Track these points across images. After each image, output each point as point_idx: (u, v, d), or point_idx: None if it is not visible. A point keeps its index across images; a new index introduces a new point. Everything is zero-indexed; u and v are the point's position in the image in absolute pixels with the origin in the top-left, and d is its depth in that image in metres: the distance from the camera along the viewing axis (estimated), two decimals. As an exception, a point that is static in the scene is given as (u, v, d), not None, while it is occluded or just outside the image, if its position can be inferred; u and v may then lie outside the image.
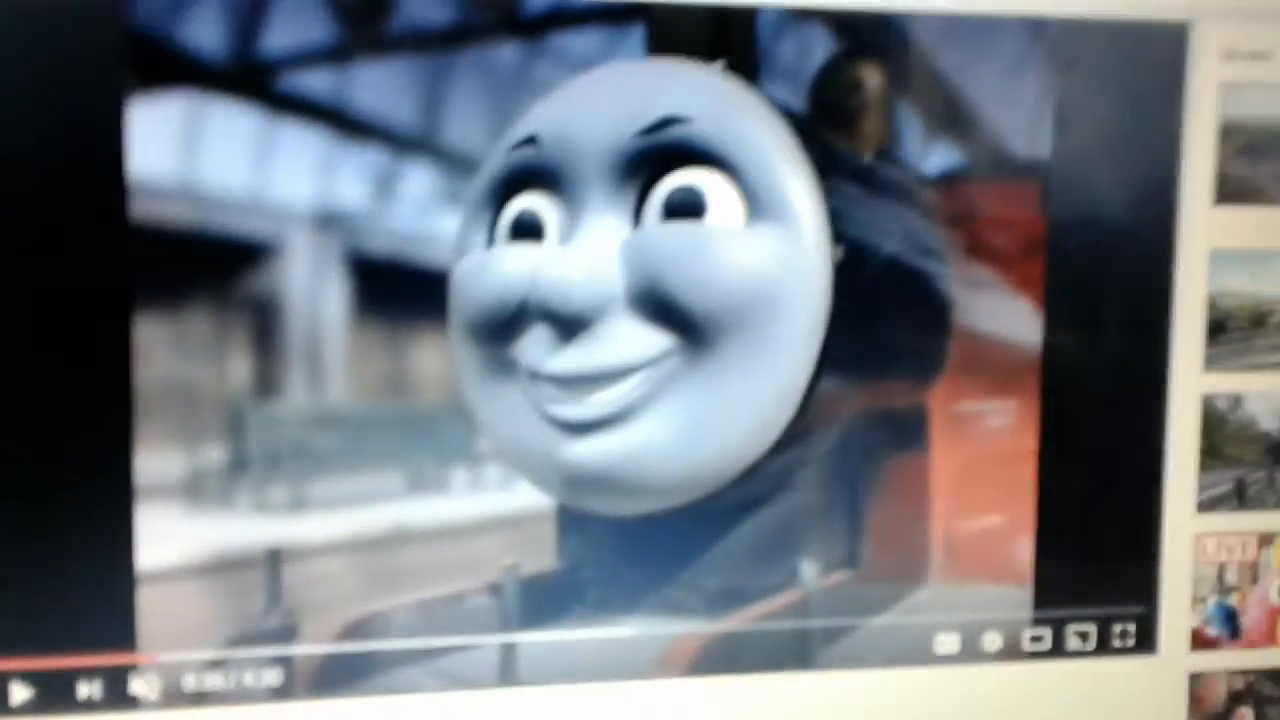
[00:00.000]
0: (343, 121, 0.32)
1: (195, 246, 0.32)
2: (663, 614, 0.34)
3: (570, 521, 0.34)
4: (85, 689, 0.32)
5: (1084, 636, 0.36)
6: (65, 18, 0.30)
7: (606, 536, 0.34)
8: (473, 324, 0.33)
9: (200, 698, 0.32)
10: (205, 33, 0.31)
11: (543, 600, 0.34)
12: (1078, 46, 0.34)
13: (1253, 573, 0.37)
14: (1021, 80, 0.34)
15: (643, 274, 0.32)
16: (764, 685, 0.35)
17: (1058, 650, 0.36)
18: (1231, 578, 0.36)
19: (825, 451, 0.35)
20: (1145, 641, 0.36)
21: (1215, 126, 0.35)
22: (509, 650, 0.34)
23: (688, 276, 0.32)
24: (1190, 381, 0.36)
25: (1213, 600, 0.37)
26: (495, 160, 0.33)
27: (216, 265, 0.32)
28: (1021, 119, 0.34)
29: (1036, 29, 0.34)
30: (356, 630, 0.33)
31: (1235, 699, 0.37)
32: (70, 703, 0.32)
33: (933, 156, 0.34)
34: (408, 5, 0.32)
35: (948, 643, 0.36)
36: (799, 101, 0.34)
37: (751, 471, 0.34)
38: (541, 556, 0.34)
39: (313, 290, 0.32)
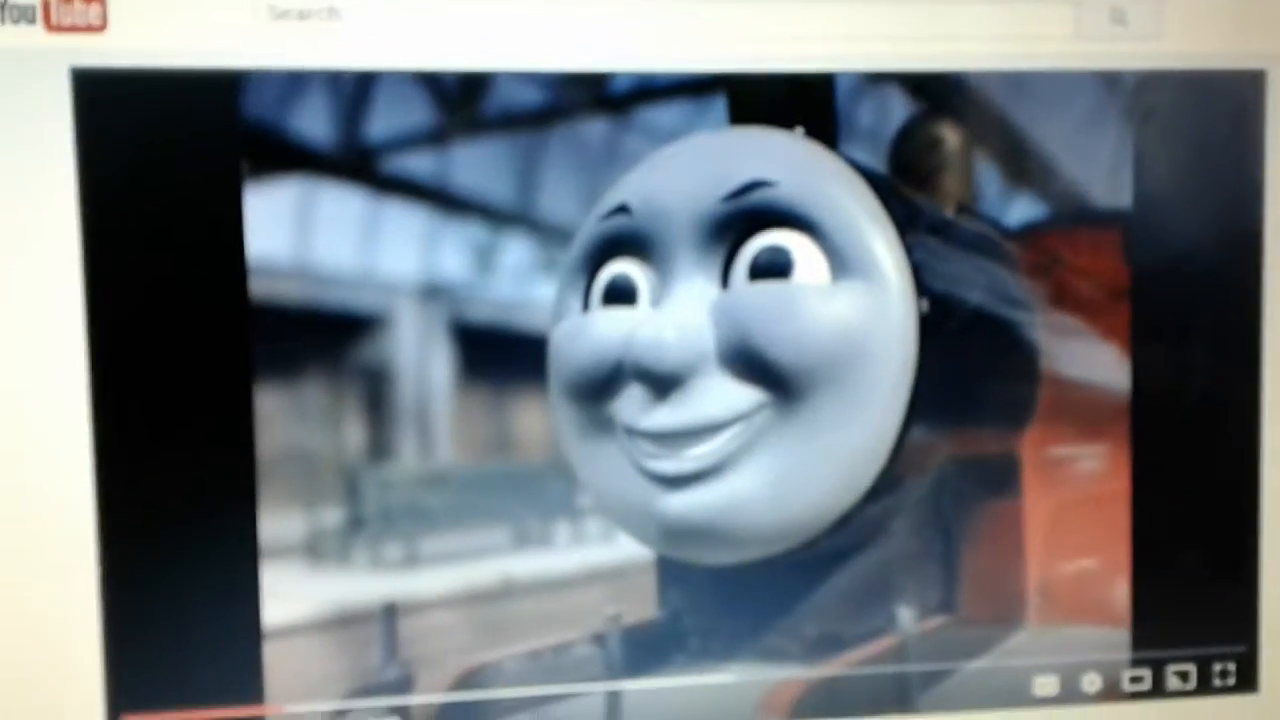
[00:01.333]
0: (444, 199, 0.34)
1: (310, 321, 0.34)
2: (762, 660, 0.35)
3: (670, 572, 0.35)
4: (218, 740, 0.33)
5: (1184, 676, 0.36)
6: (187, 111, 0.32)
7: (706, 586, 0.35)
8: (571, 385, 0.35)
9: (324, 747, 0.34)
10: (314, 122, 0.33)
11: (645, 649, 0.35)
12: (1154, 97, 0.35)
13: (1355, 609, 0.36)
14: (1099, 131, 0.35)
15: (733, 332, 0.33)
16: (864, 730, 0.35)
17: (1158, 690, 0.36)
18: (1334, 615, 0.36)
19: (918, 499, 0.35)
20: (1247, 680, 0.36)
21: (1295, 168, 0.35)
22: (614, 698, 0.35)
23: (777, 333, 0.33)
24: (1283, 418, 0.36)
25: (1315, 638, 0.36)
26: (588, 229, 0.35)
27: (330, 338, 0.34)
28: (1101, 169, 0.35)
29: (1111, 81, 0.35)
30: (469, 680, 0.34)
31: (1342, 739, 0.37)
32: (205, 754, 0.33)
33: (1013, 209, 0.35)
34: (501, 88, 0.33)
35: (1047, 685, 0.36)
36: (878, 161, 0.35)
37: (845, 520, 0.35)
38: (643, 606, 0.35)
39: (420, 358, 0.34)
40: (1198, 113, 0.35)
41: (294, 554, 0.34)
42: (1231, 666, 0.36)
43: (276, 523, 0.33)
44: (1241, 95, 0.35)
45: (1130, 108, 0.35)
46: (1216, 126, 0.35)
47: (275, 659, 0.33)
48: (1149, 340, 0.35)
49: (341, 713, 0.34)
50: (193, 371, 0.33)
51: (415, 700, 0.34)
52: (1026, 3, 0.34)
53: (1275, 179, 0.35)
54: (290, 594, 0.33)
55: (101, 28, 0.32)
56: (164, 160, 0.32)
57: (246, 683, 0.33)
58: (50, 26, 0.31)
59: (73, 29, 0.31)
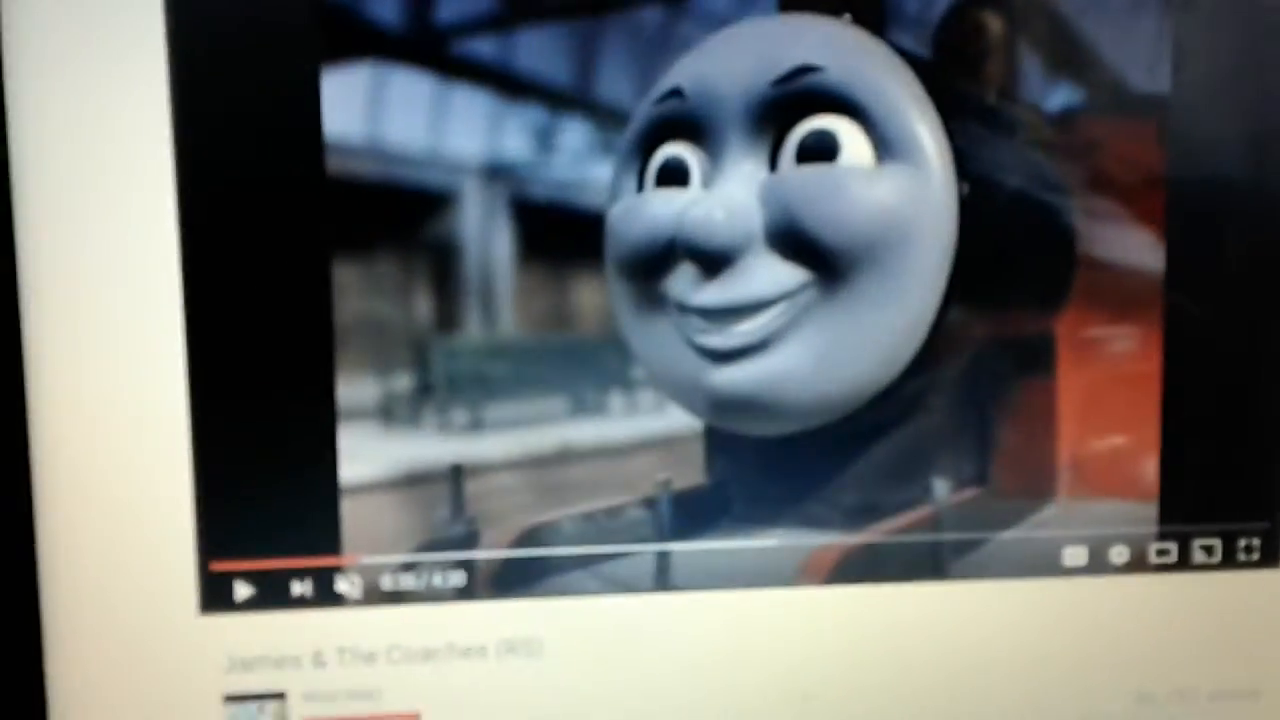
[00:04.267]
0: (506, 82, 0.36)
1: (382, 198, 0.35)
2: (803, 527, 0.37)
3: (717, 442, 0.37)
4: (298, 587, 0.36)
5: (1209, 550, 0.38)
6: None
7: (751, 455, 0.37)
8: (626, 262, 0.36)
9: (396, 596, 0.36)
10: (386, 7, 0.35)
11: (693, 513, 0.37)
12: (1194, -17, 0.36)
13: (1379, 489, 0.38)
14: (1138, 18, 0.36)
15: (780, 213, 0.35)
16: (899, 594, 0.37)
17: (1183, 563, 0.38)
18: (1358, 494, 0.38)
19: (955, 377, 0.37)
20: (1270, 555, 0.38)
21: (1334, 56, 0.36)
22: (663, 558, 0.37)
23: (822, 214, 0.35)
24: (1314, 304, 0.37)
25: (1338, 516, 0.38)
26: (643, 113, 0.36)
27: (401, 214, 0.36)
28: (1140, 56, 0.36)
29: (1152, -32, 0.35)
30: (529, 538, 0.37)
31: (1362, 611, 0.38)
32: (285, 599, 0.36)
33: (1053, 95, 0.36)
34: (563, -25, 0.35)
35: (1076, 555, 0.38)
36: (923, 48, 0.36)
37: (885, 395, 0.36)
38: (691, 473, 0.37)
39: (484, 235, 0.36)
40: (1235, 1, 0.36)
41: (368, 417, 0.36)
42: (1256, 542, 0.38)
43: (352, 388, 0.36)
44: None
45: (1170, -6, 0.36)
46: (1256, 16, 0.36)
47: (351, 513, 0.36)
48: (1183, 226, 0.36)
49: (412, 564, 0.36)
50: (274, 244, 0.35)
51: (479, 555, 0.36)
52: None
53: (1311, 65, 0.36)
54: (365, 454, 0.36)
55: (188, -84, 0.33)
56: (247, 43, 0.34)
57: (325, 535, 0.36)
58: (141, -85, 0.33)
59: (162, -83, 0.33)
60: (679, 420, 0.37)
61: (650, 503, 0.37)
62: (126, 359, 0.35)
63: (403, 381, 0.36)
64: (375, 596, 0.36)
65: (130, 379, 0.35)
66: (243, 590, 0.36)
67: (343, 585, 0.36)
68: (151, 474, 0.35)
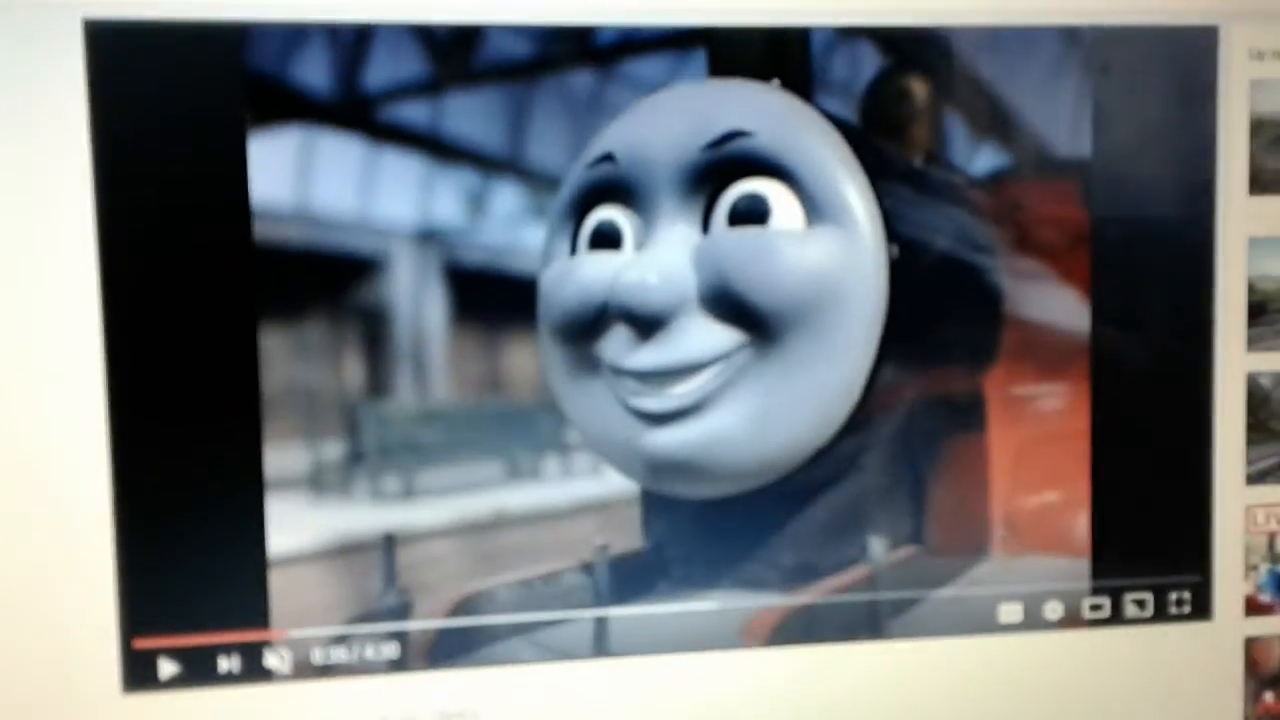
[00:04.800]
0: (437, 147, 0.35)
1: (311, 263, 0.35)
2: (742, 589, 0.37)
3: (654, 505, 0.37)
4: (225, 663, 0.35)
5: (1141, 604, 0.38)
6: (194, 62, 0.34)
7: (688, 518, 0.37)
8: (559, 326, 0.36)
9: (327, 670, 0.35)
10: (313, 73, 0.35)
11: (631, 577, 0.37)
12: (1112, 51, 0.37)
13: (1303, 540, 0.38)
14: (1059, 84, 0.37)
15: (713, 276, 0.35)
16: (839, 654, 0.37)
17: (1117, 618, 0.38)
18: (1282, 546, 0.38)
19: (889, 435, 0.37)
20: (1201, 608, 0.38)
21: (1247, 122, 0.37)
22: (602, 623, 0.37)
23: (755, 276, 0.35)
24: (1234, 361, 0.38)
25: (1265, 568, 0.38)
26: (575, 177, 0.36)
27: (330, 280, 0.35)
28: (1061, 120, 0.37)
29: (1071, 36, 0.36)
30: (464, 606, 0.36)
31: (1291, 662, 0.39)
32: (212, 676, 0.35)
33: (979, 158, 0.37)
34: (491, 40, 0.35)
35: (1011, 612, 0.38)
36: (851, 113, 0.36)
37: (820, 456, 0.36)
38: (629, 537, 0.37)
39: (415, 300, 0.36)
40: (1154, 66, 0.37)
41: (297, 486, 0.35)
42: (1187, 595, 0.38)
43: (280, 457, 0.35)
44: (1196, 48, 0.37)
45: (1089, 61, 0.36)
46: (1172, 79, 0.37)
47: (280, 586, 0.35)
48: (1107, 285, 0.37)
49: (343, 637, 0.35)
50: (200, 311, 0.34)
51: (413, 625, 0.36)
52: (991, -38, 0.36)
53: (1227, 129, 0.37)
54: (294, 524, 0.35)
55: (112, -19, 0.33)
56: (172, 109, 0.34)
57: (253, 608, 0.35)
58: (63, -20, 0.33)
59: (84, -17, 0.33)
60: (615, 484, 0.37)
61: (587, 568, 0.37)
62: (46, 426, 0.34)
63: (333, 449, 0.35)
64: (306, 671, 0.35)
65: (49, 448, 0.34)
66: (168, 668, 0.35)
67: (272, 660, 0.35)
68: (71, 547, 0.34)
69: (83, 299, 0.34)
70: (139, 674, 0.35)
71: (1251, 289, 0.37)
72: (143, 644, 0.35)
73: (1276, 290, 0.37)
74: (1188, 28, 0.37)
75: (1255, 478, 0.38)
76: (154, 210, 0.34)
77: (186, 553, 0.35)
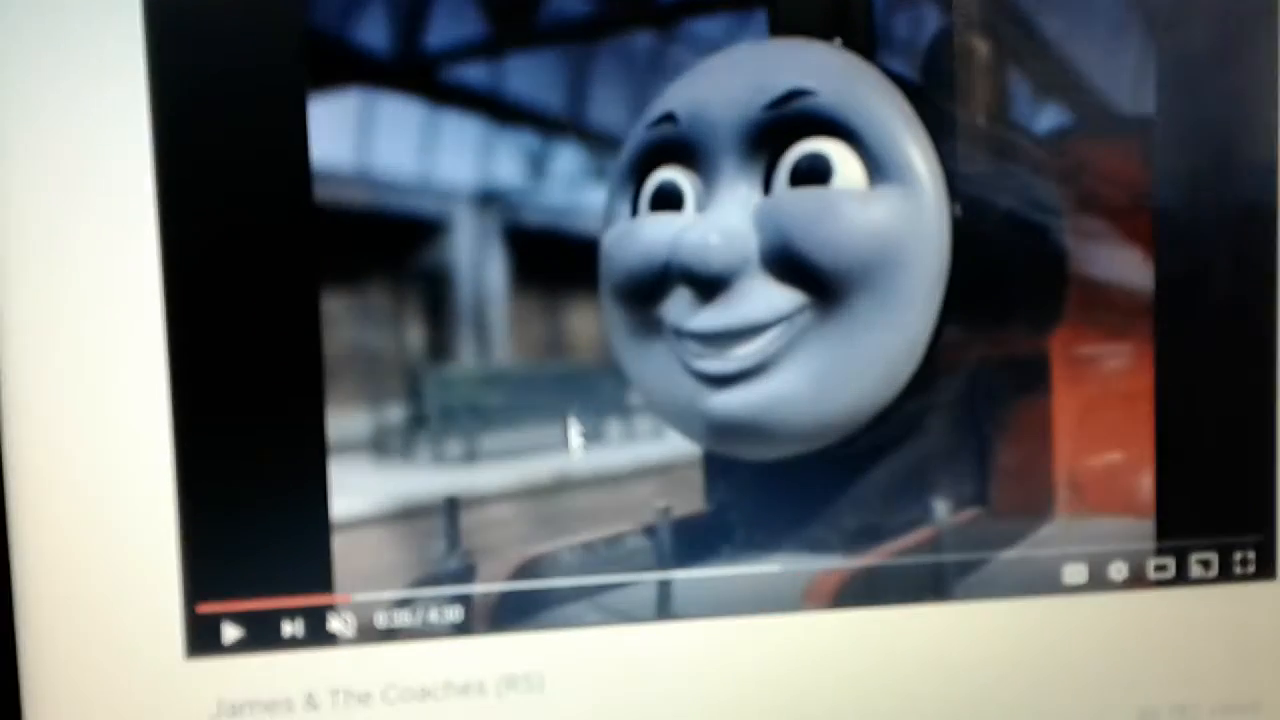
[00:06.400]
0: (498, 108, 0.35)
1: (372, 226, 0.35)
2: (805, 551, 0.37)
3: (716, 467, 0.37)
4: (289, 628, 0.35)
5: (1206, 564, 0.38)
6: (255, 23, 0.33)
7: (750, 480, 0.37)
8: (621, 288, 0.36)
9: (390, 634, 0.35)
10: (374, 33, 0.34)
11: (694, 540, 0.37)
12: (1177, 6, 0.36)
13: (1369, 499, 0.38)
14: (1123, 41, 0.36)
15: (775, 236, 0.35)
16: (902, 617, 0.37)
17: (1181, 578, 0.38)
18: (1348, 505, 0.38)
19: (952, 397, 0.37)
20: (1265, 568, 0.38)
21: (1313, 72, 0.37)
22: (664, 586, 0.36)
23: (817, 237, 0.35)
24: (1300, 316, 0.37)
25: (1330, 527, 0.38)
26: (636, 137, 0.36)
27: (391, 242, 0.35)
28: (1125, 77, 0.36)
29: (1136, -10, 0.36)
30: (527, 570, 0.36)
31: (1357, 622, 0.38)
32: (276, 640, 0.35)
33: (1041, 116, 0.37)
34: (552, 0, 0.35)
35: (1076, 573, 0.38)
36: (913, 71, 0.36)
37: (883, 417, 0.36)
38: (691, 500, 0.37)
39: (476, 262, 0.36)
40: (1219, 21, 0.36)
41: (360, 450, 0.35)
42: (1251, 554, 0.38)
43: (343, 421, 0.35)
44: (1263, 4, 0.36)
45: (1153, 17, 0.36)
46: (1237, 35, 0.36)
47: (343, 550, 0.35)
48: (1170, 243, 0.37)
49: (406, 601, 0.35)
50: (261, 275, 0.34)
51: (476, 589, 0.36)
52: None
53: (1292, 82, 0.37)
54: (356, 488, 0.35)
55: (173, -58, 0.33)
56: (232, 70, 0.34)
57: (316, 572, 0.35)
58: (124, -59, 0.33)
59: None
60: (677, 446, 0.37)
61: (650, 531, 0.36)
62: (109, 395, 0.34)
63: (395, 413, 0.35)
64: (369, 635, 0.35)
65: (113, 415, 0.34)
66: (231, 632, 0.35)
67: (335, 624, 0.35)
68: (135, 513, 0.34)
69: (143, 264, 0.34)
70: (202, 639, 0.35)
71: (1317, 244, 0.37)
72: (206, 609, 0.34)
73: (1343, 247, 0.37)
74: (1252, -19, 0.36)
75: (1321, 437, 0.38)
76: (214, 172, 0.34)
77: (249, 517, 0.34)
